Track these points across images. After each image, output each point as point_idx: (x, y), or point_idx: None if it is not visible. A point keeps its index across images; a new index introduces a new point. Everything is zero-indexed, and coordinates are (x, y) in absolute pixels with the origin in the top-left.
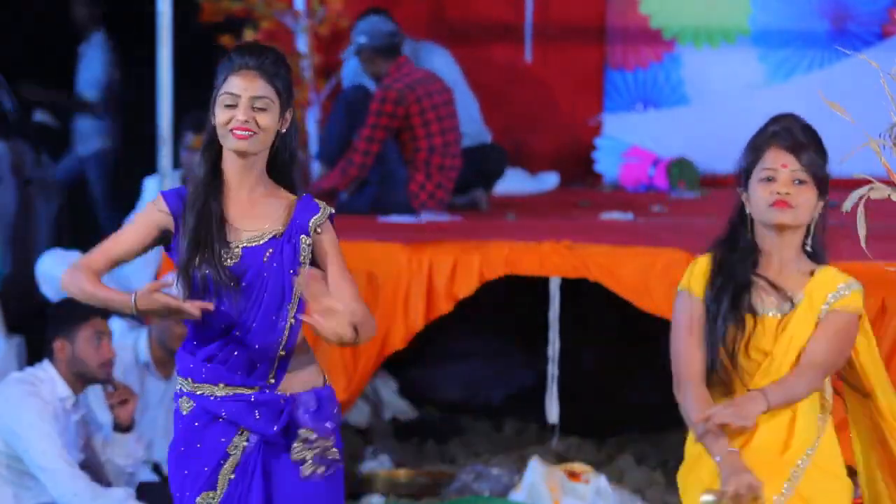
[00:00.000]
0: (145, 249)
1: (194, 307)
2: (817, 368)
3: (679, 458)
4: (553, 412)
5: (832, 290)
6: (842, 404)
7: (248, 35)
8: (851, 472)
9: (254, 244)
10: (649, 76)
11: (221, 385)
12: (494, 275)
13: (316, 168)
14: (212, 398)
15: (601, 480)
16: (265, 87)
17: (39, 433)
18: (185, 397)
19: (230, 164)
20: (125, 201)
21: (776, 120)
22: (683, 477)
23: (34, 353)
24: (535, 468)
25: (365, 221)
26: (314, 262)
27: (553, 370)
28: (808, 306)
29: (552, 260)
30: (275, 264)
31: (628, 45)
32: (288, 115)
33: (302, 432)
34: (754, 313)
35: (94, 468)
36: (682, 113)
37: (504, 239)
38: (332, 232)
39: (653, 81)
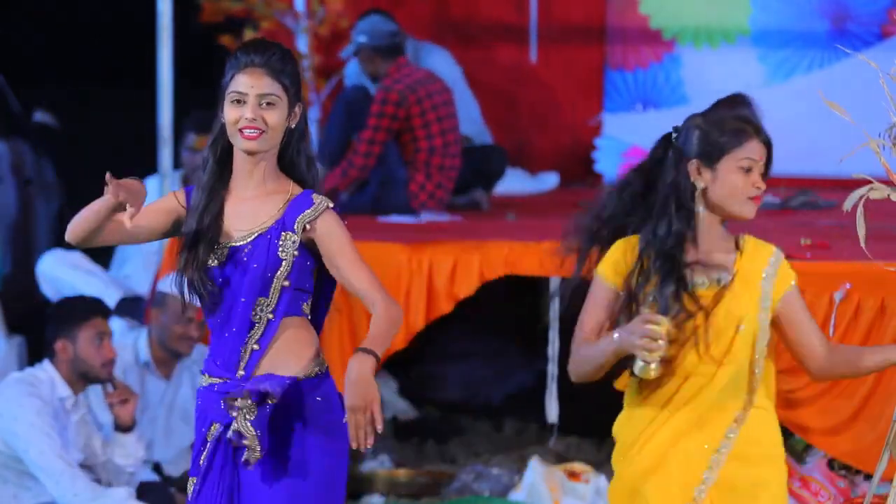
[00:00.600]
0: (156, 231)
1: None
2: (826, 343)
3: None
4: (553, 412)
5: (764, 263)
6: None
7: (249, 35)
8: None
9: (240, 243)
10: (649, 76)
11: (206, 375)
12: (494, 275)
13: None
14: (201, 388)
15: (601, 480)
16: (272, 84)
17: (39, 433)
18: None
19: (238, 161)
20: None
21: (744, 102)
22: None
23: (34, 353)
24: (535, 468)
25: (365, 221)
26: (318, 258)
27: (553, 370)
28: (743, 281)
29: (552, 260)
30: (244, 259)
31: (628, 45)
32: (297, 110)
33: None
34: (692, 293)
35: (94, 468)
36: (682, 113)
37: (504, 239)
38: (336, 225)
39: (653, 81)
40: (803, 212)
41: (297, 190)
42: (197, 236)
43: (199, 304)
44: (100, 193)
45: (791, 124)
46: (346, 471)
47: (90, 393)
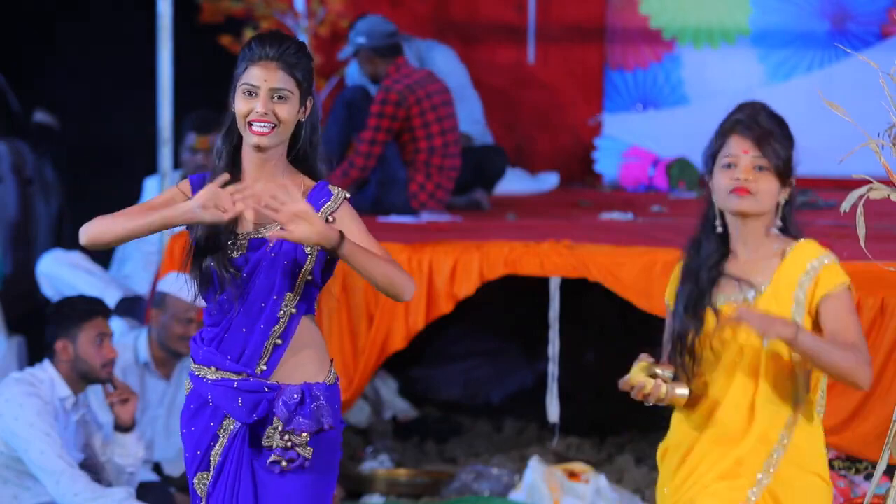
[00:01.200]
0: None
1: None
2: (851, 345)
3: None
4: (553, 412)
5: (802, 270)
6: None
7: (248, 36)
8: None
9: (261, 235)
10: (649, 76)
11: (213, 368)
12: (494, 275)
13: None
14: (204, 380)
15: (601, 480)
16: (285, 78)
17: (39, 433)
18: (188, 378)
19: (248, 154)
20: (125, 201)
21: (742, 107)
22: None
23: (34, 353)
24: (535, 468)
25: (365, 221)
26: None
27: (553, 370)
28: (774, 292)
29: (552, 260)
30: (273, 254)
31: (628, 45)
32: (309, 104)
33: (275, 421)
34: (715, 308)
35: (94, 468)
36: (682, 113)
37: (504, 239)
38: (351, 213)
39: (652, 81)
40: (803, 212)
41: (310, 182)
42: (216, 227)
43: (202, 299)
44: (100, 193)
45: (791, 124)
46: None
47: (90, 393)
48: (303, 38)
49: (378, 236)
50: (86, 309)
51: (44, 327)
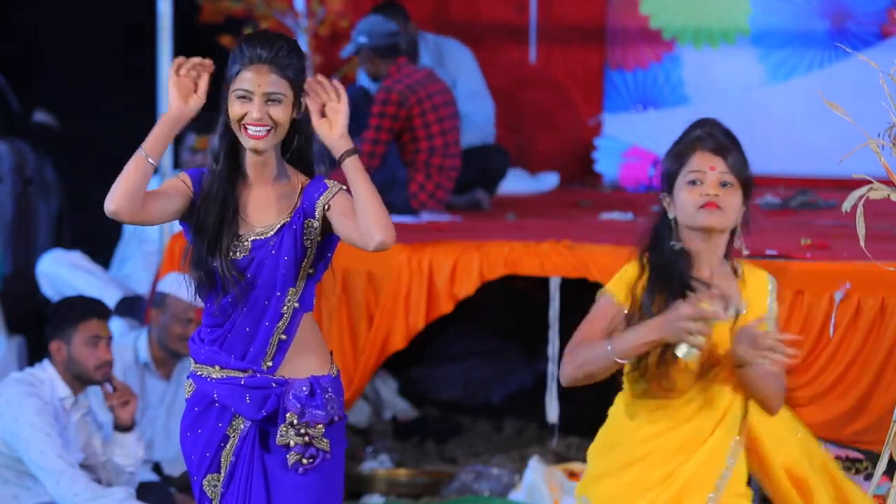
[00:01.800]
0: (168, 213)
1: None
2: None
3: None
4: (553, 412)
5: (766, 293)
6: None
7: None
8: None
9: (263, 236)
10: (649, 76)
11: (217, 367)
12: (494, 275)
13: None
14: (208, 380)
15: None
16: (278, 80)
17: (39, 433)
18: (188, 380)
19: (247, 157)
20: None
21: (698, 125)
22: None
23: (34, 353)
24: (535, 468)
25: None
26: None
27: (553, 370)
28: (754, 314)
29: (552, 260)
30: (273, 251)
31: (628, 45)
32: (303, 101)
33: (288, 416)
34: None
35: (93, 468)
36: (682, 113)
37: (504, 239)
38: (346, 198)
39: (653, 81)
40: (803, 212)
41: (306, 179)
42: (220, 227)
43: (202, 301)
44: (100, 193)
45: (791, 124)
46: (339, 463)
47: (90, 393)
48: (302, 37)
49: None
50: (82, 310)
51: (44, 327)
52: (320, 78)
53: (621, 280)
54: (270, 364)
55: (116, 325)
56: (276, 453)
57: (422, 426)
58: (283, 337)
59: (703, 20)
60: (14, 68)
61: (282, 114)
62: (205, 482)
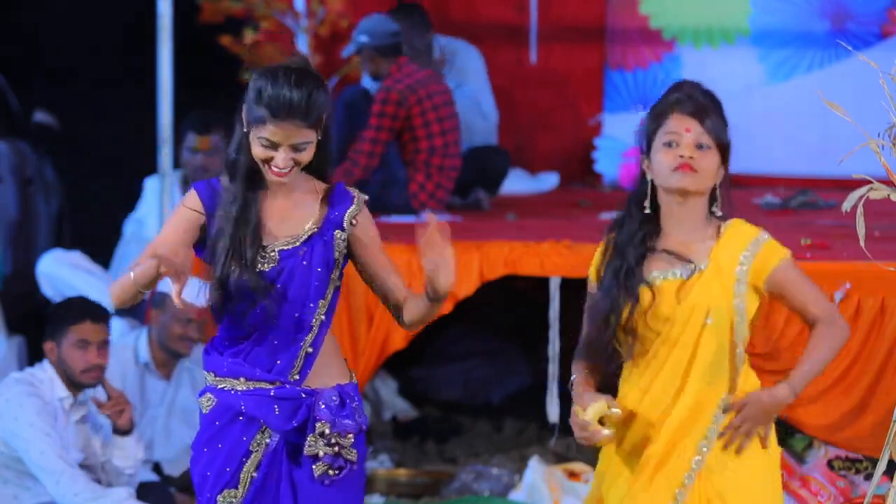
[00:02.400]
0: (192, 245)
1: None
2: (828, 315)
3: None
4: (553, 412)
5: (742, 247)
6: None
7: (248, 36)
8: None
9: (290, 246)
10: (649, 76)
11: (242, 379)
12: (494, 275)
13: None
14: (232, 392)
15: None
16: (307, 132)
17: (39, 433)
18: (206, 395)
19: (268, 176)
20: (125, 201)
21: (678, 87)
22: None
23: (34, 354)
24: (535, 468)
25: None
26: (351, 254)
27: (553, 370)
28: (716, 270)
29: (552, 260)
30: (304, 262)
31: (628, 45)
32: (324, 120)
33: (319, 426)
34: (650, 284)
35: (93, 468)
36: None
37: (504, 239)
38: (370, 217)
39: (652, 81)
40: (803, 212)
41: (322, 185)
42: (244, 240)
43: (223, 313)
44: (100, 193)
45: (791, 124)
46: (362, 473)
47: (90, 394)
48: (302, 37)
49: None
50: (77, 312)
51: (43, 328)
52: (432, 234)
53: (594, 262)
54: (297, 377)
55: (116, 325)
56: (303, 465)
57: (422, 426)
58: (310, 350)
59: (703, 20)
60: (14, 68)
61: (307, 155)
62: (220, 498)
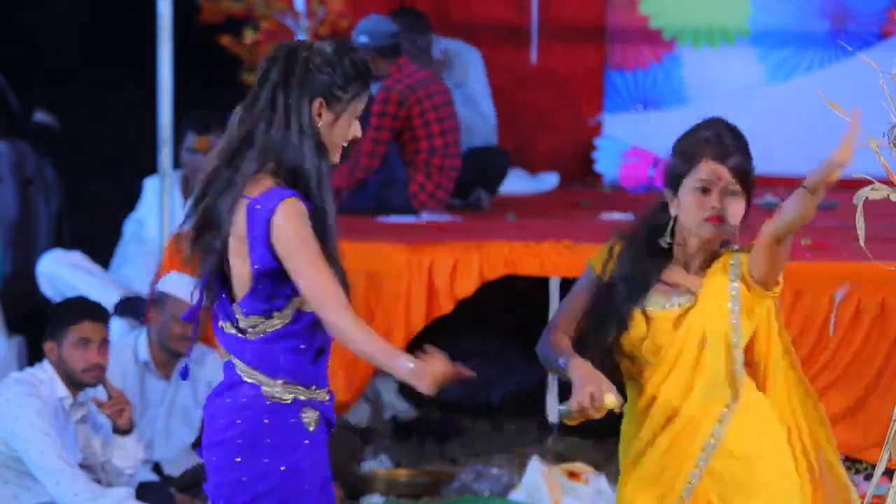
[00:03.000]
0: None
1: None
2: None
3: None
4: (553, 412)
5: (727, 266)
6: None
7: (248, 36)
8: None
9: None
10: (649, 76)
11: (324, 390)
12: (495, 275)
13: None
14: (325, 403)
15: (601, 480)
16: None
17: (39, 433)
18: (307, 408)
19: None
20: (125, 201)
21: (707, 125)
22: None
23: (34, 354)
24: (535, 468)
25: (365, 221)
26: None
27: None
28: (711, 294)
29: (552, 260)
30: None
31: (628, 45)
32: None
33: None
34: (645, 314)
35: (93, 468)
36: (682, 113)
37: (504, 239)
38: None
39: (652, 82)
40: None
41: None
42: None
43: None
44: (100, 193)
45: (791, 124)
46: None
47: (90, 394)
48: (302, 37)
49: (378, 236)
50: (77, 312)
51: (43, 327)
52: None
53: (603, 252)
54: None
55: (116, 325)
56: None
57: (421, 426)
58: None
59: (703, 20)
60: (14, 68)
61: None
62: None
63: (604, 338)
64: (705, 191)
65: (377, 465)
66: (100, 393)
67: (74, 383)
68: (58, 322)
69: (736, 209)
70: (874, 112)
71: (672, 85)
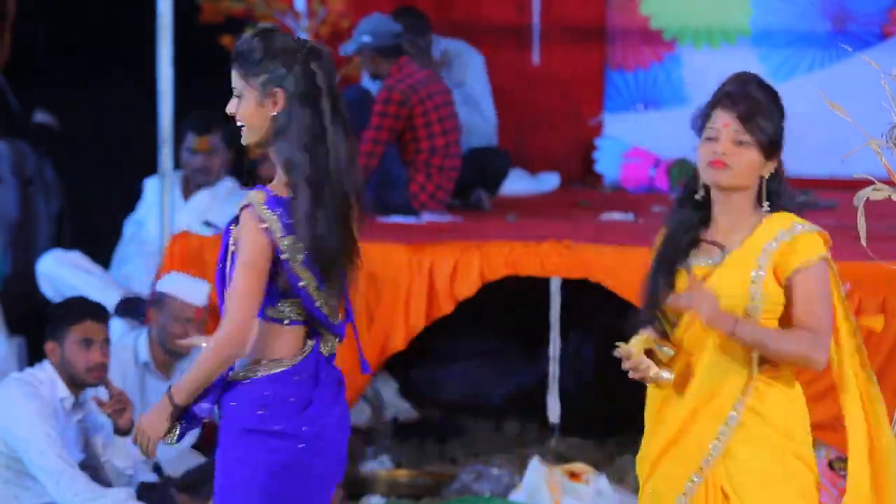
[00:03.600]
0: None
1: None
2: (815, 329)
3: None
4: (554, 412)
5: (770, 237)
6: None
7: None
8: None
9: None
10: (650, 76)
11: None
12: (495, 275)
13: None
14: None
15: (602, 480)
16: (235, 77)
17: (39, 433)
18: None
19: None
20: (125, 201)
21: (733, 79)
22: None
23: (34, 354)
24: (536, 468)
25: (365, 222)
26: None
27: (554, 370)
28: (740, 257)
29: (553, 260)
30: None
31: (628, 45)
32: (277, 97)
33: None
34: (687, 268)
35: (93, 468)
36: (683, 113)
37: (505, 239)
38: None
39: (653, 82)
40: (803, 212)
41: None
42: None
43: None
44: (100, 194)
45: (791, 125)
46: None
47: (90, 394)
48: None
49: (378, 237)
50: (77, 312)
51: (43, 328)
52: None
53: (657, 241)
54: None
55: (116, 325)
56: None
57: (422, 426)
58: None
59: (704, 20)
60: (14, 68)
61: (239, 110)
62: None
63: (656, 297)
64: (713, 139)
65: (378, 466)
66: (101, 393)
67: (76, 383)
68: (59, 322)
69: (742, 157)
70: (875, 112)
71: (672, 85)
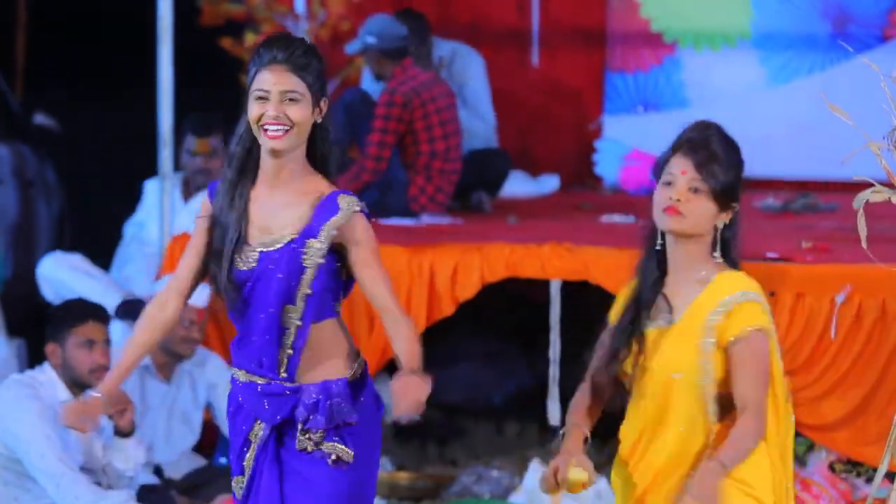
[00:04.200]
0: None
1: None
2: (754, 409)
3: None
4: (554, 414)
5: (713, 306)
6: None
7: (249, 38)
8: None
9: (270, 249)
10: (650, 79)
11: (243, 371)
12: (495, 277)
13: None
14: (237, 382)
15: (602, 483)
16: (295, 80)
17: (40, 436)
18: (229, 381)
19: (265, 160)
20: (126, 203)
21: (695, 126)
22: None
23: (35, 356)
24: (536, 470)
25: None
26: (344, 257)
27: (554, 372)
28: (686, 326)
29: (553, 262)
30: (271, 266)
31: (629, 48)
32: (323, 105)
33: (299, 424)
34: (642, 333)
35: (94, 471)
36: (683, 116)
37: (505, 241)
38: (363, 231)
39: (653, 84)
40: (804, 214)
41: (327, 189)
42: (222, 239)
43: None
44: (100, 194)
45: (792, 127)
46: (358, 469)
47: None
48: None
49: (379, 239)
50: (78, 313)
51: (44, 330)
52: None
53: (618, 302)
54: (284, 375)
55: (117, 327)
56: (289, 458)
57: (423, 428)
58: (290, 352)
59: (705, 23)
60: (14, 69)
61: (299, 114)
62: (233, 484)
63: (616, 357)
64: (670, 184)
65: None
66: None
67: (77, 385)
68: (60, 324)
69: (696, 205)
70: (875, 114)
71: (673, 88)
